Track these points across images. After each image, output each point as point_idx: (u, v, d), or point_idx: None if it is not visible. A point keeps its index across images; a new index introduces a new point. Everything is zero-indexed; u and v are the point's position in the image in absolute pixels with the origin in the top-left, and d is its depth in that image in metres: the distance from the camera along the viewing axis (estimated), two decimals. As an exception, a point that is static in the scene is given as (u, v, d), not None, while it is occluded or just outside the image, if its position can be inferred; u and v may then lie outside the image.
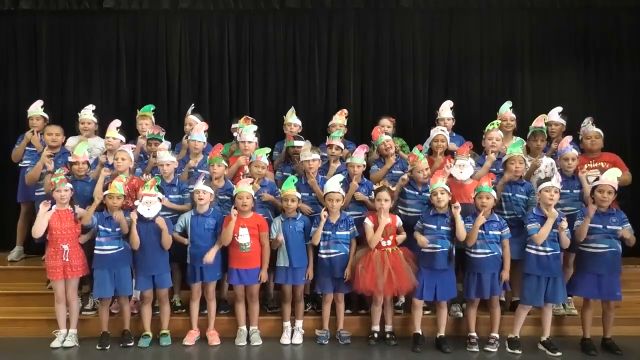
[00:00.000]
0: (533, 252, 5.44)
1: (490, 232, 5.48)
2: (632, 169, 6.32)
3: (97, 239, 5.51)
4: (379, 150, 6.27)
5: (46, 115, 6.64)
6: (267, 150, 6.10)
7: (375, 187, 5.79)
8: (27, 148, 6.61)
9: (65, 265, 5.50)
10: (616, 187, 5.42)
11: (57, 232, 5.50)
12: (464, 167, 5.77)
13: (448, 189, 5.51)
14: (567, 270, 6.01)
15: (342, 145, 6.27)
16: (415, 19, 7.76)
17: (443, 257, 5.47)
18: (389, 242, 5.57)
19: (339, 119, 6.65)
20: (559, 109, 6.50)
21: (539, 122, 6.32)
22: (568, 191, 5.82)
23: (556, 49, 7.72)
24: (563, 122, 6.47)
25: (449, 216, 5.47)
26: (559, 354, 5.47)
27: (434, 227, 5.50)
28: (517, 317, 5.60)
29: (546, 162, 6.11)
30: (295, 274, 5.70)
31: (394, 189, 5.73)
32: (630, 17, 7.71)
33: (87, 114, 6.64)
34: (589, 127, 6.25)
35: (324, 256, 5.67)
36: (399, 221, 5.67)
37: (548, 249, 5.39)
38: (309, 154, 6.02)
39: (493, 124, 6.27)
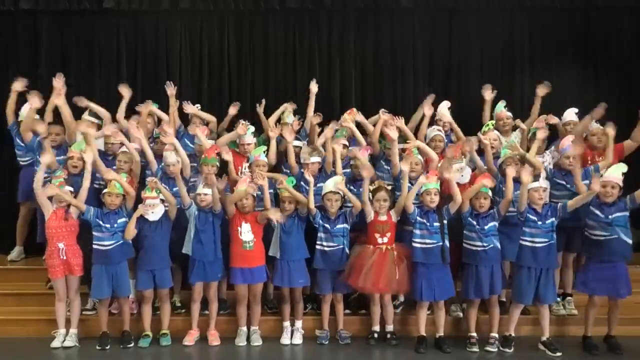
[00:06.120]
0: (526, 243, 5.47)
1: (486, 227, 5.51)
2: (632, 168, 6.30)
3: (94, 233, 5.54)
4: (385, 152, 6.29)
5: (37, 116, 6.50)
6: (264, 148, 6.11)
7: (371, 187, 5.80)
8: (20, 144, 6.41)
9: (63, 264, 5.52)
10: (621, 183, 5.45)
11: (52, 231, 5.52)
12: (463, 170, 5.83)
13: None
14: (567, 271, 6.03)
15: (347, 144, 6.27)
16: (415, 19, 7.77)
17: (438, 252, 5.50)
18: (385, 240, 5.59)
19: (349, 118, 6.54)
20: (575, 109, 6.50)
21: (539, 122, 6.32)
22: (569, 185, 5.87)
23: (556, 49, 7.73)
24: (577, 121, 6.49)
25: (436, 212, 5.54)
26: (559, 354, 5.47)
27: (427, 223, 5.54)
28: (510, 315, 5.63)
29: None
30: (291, 276, 5.69)
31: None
32: (630, 17, 7.71)
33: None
34: (592, 124, 6.29)
35: (325, 248, 5.69)
36: (394, 218, 5.66)
37: (542, 239, 5.43)
38: (309, 157, 6.02)
39: (488, 125, 6.31)
